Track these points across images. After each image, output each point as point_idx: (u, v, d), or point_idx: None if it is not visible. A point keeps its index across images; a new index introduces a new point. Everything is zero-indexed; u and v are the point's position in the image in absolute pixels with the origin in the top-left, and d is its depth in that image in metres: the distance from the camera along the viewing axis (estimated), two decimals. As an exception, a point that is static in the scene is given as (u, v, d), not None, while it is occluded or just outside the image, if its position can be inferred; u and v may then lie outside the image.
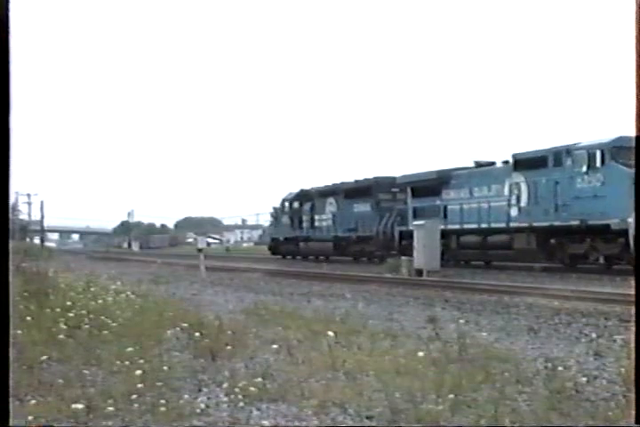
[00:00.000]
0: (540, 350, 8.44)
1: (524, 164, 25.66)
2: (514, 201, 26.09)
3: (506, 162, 27.31)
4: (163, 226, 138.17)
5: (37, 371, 6.94)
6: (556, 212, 23.92)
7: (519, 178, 25.91)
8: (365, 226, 36.46)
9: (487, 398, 5.78)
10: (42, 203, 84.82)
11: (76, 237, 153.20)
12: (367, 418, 5.50)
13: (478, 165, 29.30)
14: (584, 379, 6.60)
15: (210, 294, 17.68)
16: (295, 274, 25.78)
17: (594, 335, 9.70)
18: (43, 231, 79.24)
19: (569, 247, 23.79)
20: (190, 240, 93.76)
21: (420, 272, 23.31)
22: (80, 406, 5.57)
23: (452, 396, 5.76)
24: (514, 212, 26.10)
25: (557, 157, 24.10)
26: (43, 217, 78.65)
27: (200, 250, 28.26)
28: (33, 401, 5.84)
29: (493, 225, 27.07)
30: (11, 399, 5.32)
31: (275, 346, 8.21)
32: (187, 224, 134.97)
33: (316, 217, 42.09)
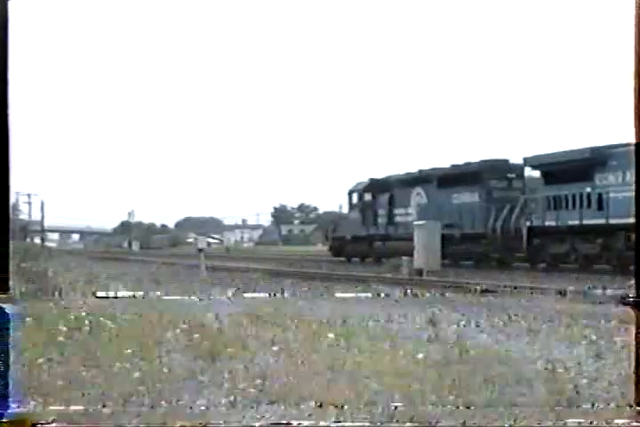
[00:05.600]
0: (540, 351, 8.41)
1: None
2: None
3: None
4: (163, 226, 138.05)
5: (37, 372, 6.93)
6: None
7: None
8: (475, 221, 29.71)
9: (487, 398, 5.78)
10: (42, 203, 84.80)
11: (76, 237, 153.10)
12: (367, 419, 5.50)
13: None
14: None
15: (210, 294, 17.66)
16: (295, 274, 25.78)
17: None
18: (43, 231, 79.26)
19: None
20: (191, 240, 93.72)
21: (420, 272, 23.34)
22: (79, 407, 5.57)
23: (451, 397, 5.76)
24: None
25: None
26: (43, 217, 78.67)
27: (200, 250, 28.28)
28: (32, 402, 5.84)
29: None
30: (10, 400, 5.32)
31: (274, 347, 8.20)
32: (187, 224, 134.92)
33: (397, 211, 35.07)
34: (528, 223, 26.50)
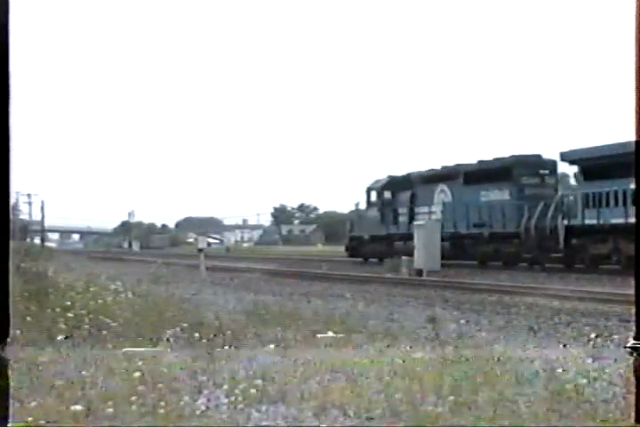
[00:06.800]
0: (540, 351, 8.43)
1: None
2: None
3: None
4: (163, 226, 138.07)
5: (36, 372, 6.93)
6: None
7: None
8: (506, 220, 28.32)
9: (486, 399, 5.78)
10: (42, 203, 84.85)
11: (76, 237, 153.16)
12: (367, 420, 5.50)
13: None
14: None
15: (210, 293, 17.69)
16: (295, 274, 25.79)
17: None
18: (43, 231, 79.26)
19: None
20: (191, 240, 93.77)
21: (419, 272, 23.35)
22: (79, 407, 5.56)
23: (451, 397, 5.76)
24: None
25: None
26: (43, 217, 78.68)
27: (200, 250, 28.28)
28: (32, 403, 5.83)
29: None
30: (10, 401, 5.33)
31: (274, 347, 8.20)
32: (187, 224, 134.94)
33: (419, 209, 33.37)
34: (566, 222, 24.99)
